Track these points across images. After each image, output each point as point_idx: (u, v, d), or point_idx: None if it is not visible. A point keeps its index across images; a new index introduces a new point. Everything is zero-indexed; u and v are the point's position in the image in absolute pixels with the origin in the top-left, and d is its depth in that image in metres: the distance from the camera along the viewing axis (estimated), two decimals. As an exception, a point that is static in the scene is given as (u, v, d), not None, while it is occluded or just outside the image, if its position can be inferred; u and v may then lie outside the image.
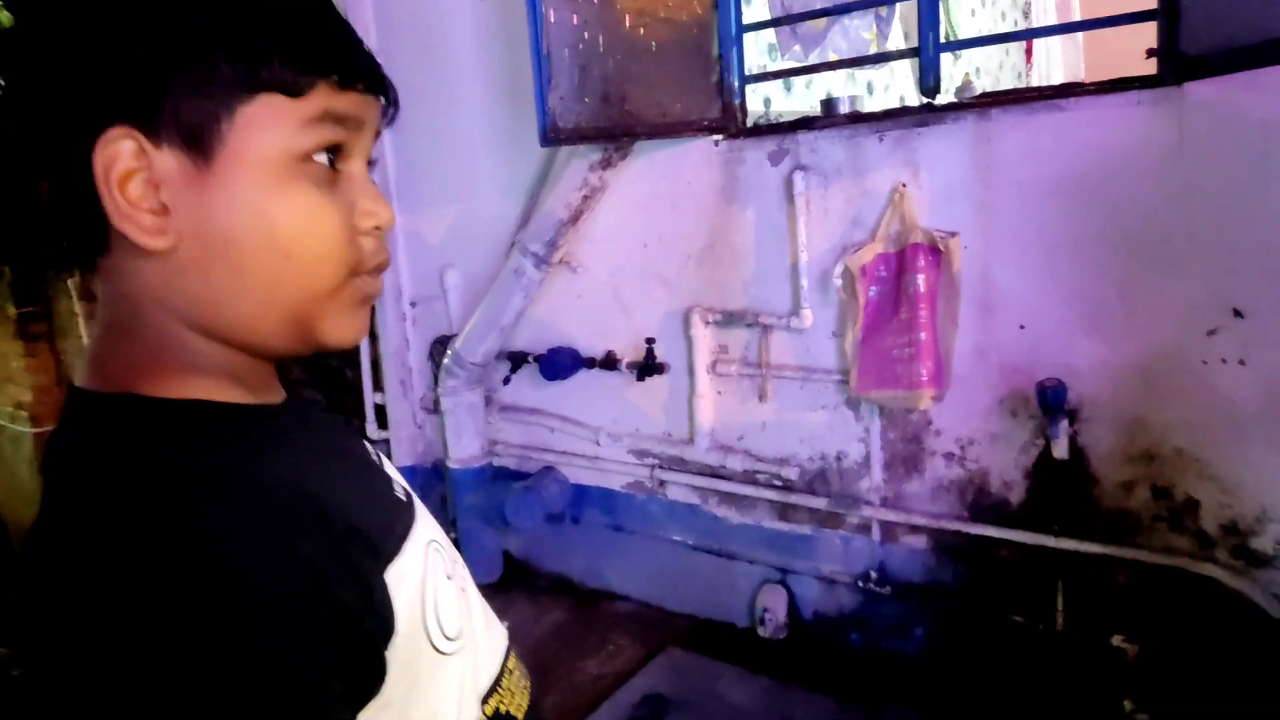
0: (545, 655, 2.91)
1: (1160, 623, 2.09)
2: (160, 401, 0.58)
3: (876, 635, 2.55)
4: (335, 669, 0.52)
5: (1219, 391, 1.92)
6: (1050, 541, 2.18)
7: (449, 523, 3.33)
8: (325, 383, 3.74)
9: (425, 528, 0.69)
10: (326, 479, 0.60)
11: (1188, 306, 1.93)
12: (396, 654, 0.59)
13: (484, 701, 0.72)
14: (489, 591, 2.92)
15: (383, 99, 0.64)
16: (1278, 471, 1.88)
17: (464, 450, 3.28)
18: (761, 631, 2.71)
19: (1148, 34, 1.92)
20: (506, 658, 0.78)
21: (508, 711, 0.75)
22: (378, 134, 0.66)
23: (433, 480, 3.49)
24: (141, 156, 0.56)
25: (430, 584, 0.65)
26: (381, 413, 3.50)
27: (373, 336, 3.45)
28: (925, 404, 2.29)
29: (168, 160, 0.56)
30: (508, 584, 3.33)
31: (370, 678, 0.56)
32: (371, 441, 0.85)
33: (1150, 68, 1.92)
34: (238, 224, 0.57)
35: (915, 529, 2.44)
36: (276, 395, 0.67)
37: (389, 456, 3.44)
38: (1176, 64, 1.86)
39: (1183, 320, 1.94)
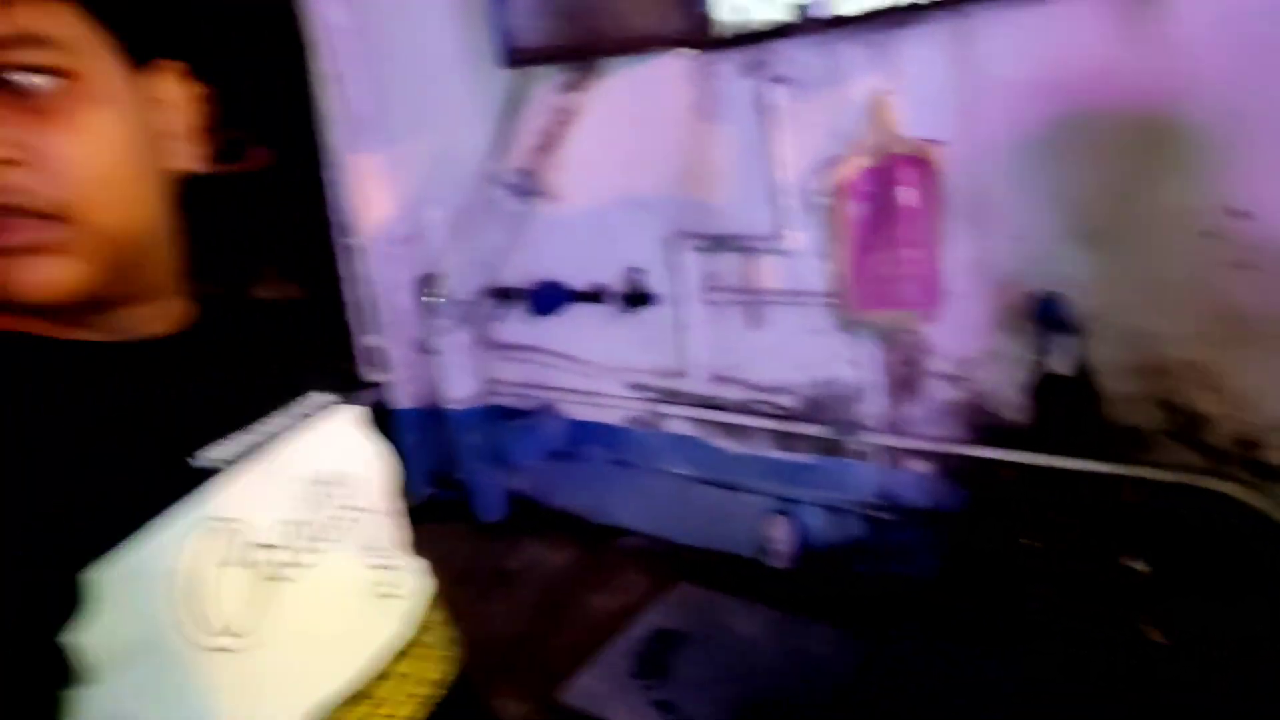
0: (557, 590, 2.97)
1: (1171, 540, 2.06)
2: None
3: (883, 562, 2.55)
4: None
5: (1224, 298, 1.84)
6: (1057, 461, 2.14)
7: (451, 463, 3.37)
8: (315, 323, 3.75)
9: (219, 504, 0.62)
10: (48, 456, 0.57)
11: (1187, 209, 1.83)
12: (134, 646, 0.56)
13: (334, 710, 0.66)
14: (494, 531, 2.94)
15: None
16: (1290, 381, 1.82)
17: (461, 390, 3.30)
18: (769, 562, 2.73)
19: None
20: (393, 661, 0.72)
21: None
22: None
23: (432, 420, 3.52)
24: None
25: (197, 570, 0.59)
26: (377, 355, 3.52)
27: (360, 278, 3.44)
28: (918, 324, 2.24)
29: None
30: (516, 522, 3.39)
31: (40, 660, 0.54)
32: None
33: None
34: None
35: (918, 453, 2.42)
36: (147, 330, 0.65)
37: (389, 399, 3.48)
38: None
39: (1183, 224, 1.85)
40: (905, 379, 2.37)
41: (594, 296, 2.87)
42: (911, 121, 2.11)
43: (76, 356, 0.62)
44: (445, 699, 0.75)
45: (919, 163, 2.11)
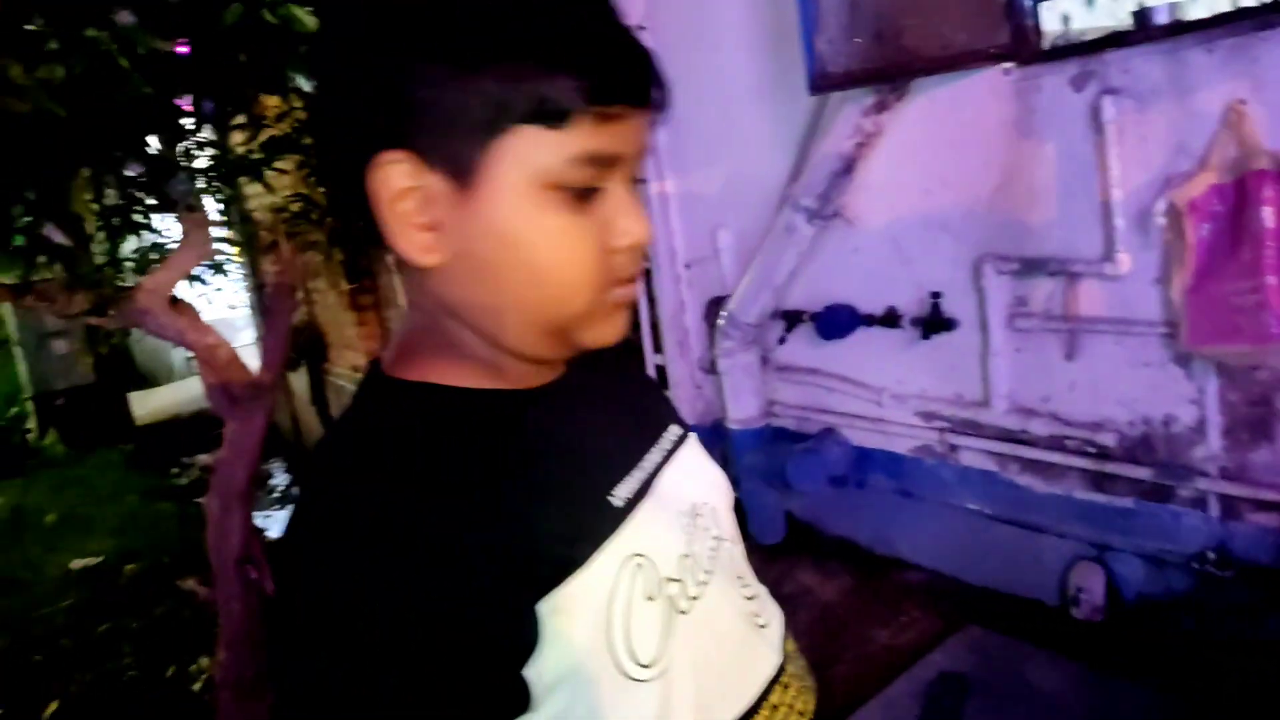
0: (832, 620, 2.90)
1: None
2: (405, 384, 0.66)
3: (1216, 623, 2.28)
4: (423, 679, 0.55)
5: None
6: None
7: (731, 482, 3.39)
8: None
9: (634, 541, 0.66)
10: (499, 498, 0.61)
11: None
12: (558, 668, 0.59)
13: None
14: (770, 554, 2.92)
15: (654, 108, 0.64)
16: None
17: (742, 410, 3.32)
18: (1075, 613, 2.51)
19: None
20: (768, 691, 0.73)
21: None
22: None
23: (713, 440, 3.56)
24: (414, 177, 0.60)
25: (620, 604, 0.63)
26: (662, 373, 3.63)
27: (650, 299, 3.56)
28: (1273, 358, 1.99)
29: (437, 182, 0.60)
30: (792, 546, 3.36)
31: (502, 694, 0.58)
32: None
33: None
34: (494, 249, 0.61)
35: (1264, 505, 2.14)
36: (539, 379, 0.70)
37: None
38: None
39: None
40: (1254, 420, 2.11)
41: (887, 320, 2.80)
42: (1275, 133, 1.89)
43: (506, 404, 0.68)
44: None
45: (1284, 179, 1.88)
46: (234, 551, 2.68)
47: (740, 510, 3.33)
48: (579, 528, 0.64)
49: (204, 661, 3.58)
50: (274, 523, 6.00)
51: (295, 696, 0.57)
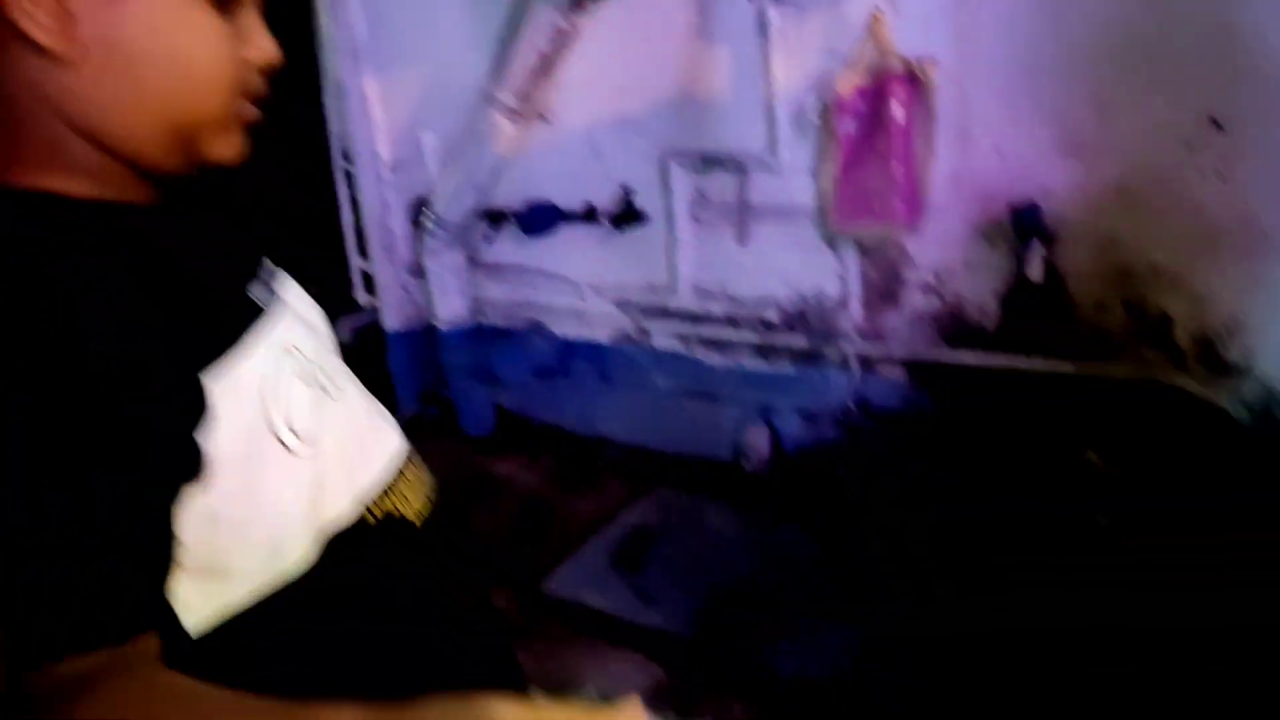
0: (540, 499, 2.96)
1: (1132, 436, 2.11)
2: (12, 192, 0.61)
3: (857, 467, 2.58)
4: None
5: (1196, 206, 1.88)
6: (1025, 364, 2.18)
7: (440, 381, 3.32)
8: (305, 250, 3.65)
9: (284, 334, 0.70)
10: (135, 282, 0.60)
11: (1166, 121, 1.87)
12: (226, 444, 0.61)
13: (373, 503, 0.74)
14: (479, 445, 2.88)
15: None
16: (1249, 281, 1.86)
17: (450, 311, 3.24)
18: (745, 466, 2.74)
19: None
20: (404, 466, 0.80)
21: (401, 515, 0.77)
22: None
23: (423, 342, 3.45)
24: None
25: (274, 384, 0.66)
26: (369, 279, 3.44)
27: (354, 203, 3.34)
28: (900, 235, 2.25)
29: None
30: (502, 436, 3.35)
31: (182, 458, 0.59)
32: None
33: None
34: (142, 41, 0.60)
35: (894, 361, 2.44)
36: (146, 197, 0.68)
37: (379, 322, 3.40)
38: None
39: (1161, 135, 1.88)
40: (885, 290, 2.39)
41: (585, 216, 2.83)
42: (907, 39, 2.10)
43: (125, 215, 0.66)
44: (437, 501, 0.84)
45: (912, 80, 2.10)
46: None
47: (450, 405, 3.26)
48: (228, 314, 0.67)
49: None
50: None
51: None
